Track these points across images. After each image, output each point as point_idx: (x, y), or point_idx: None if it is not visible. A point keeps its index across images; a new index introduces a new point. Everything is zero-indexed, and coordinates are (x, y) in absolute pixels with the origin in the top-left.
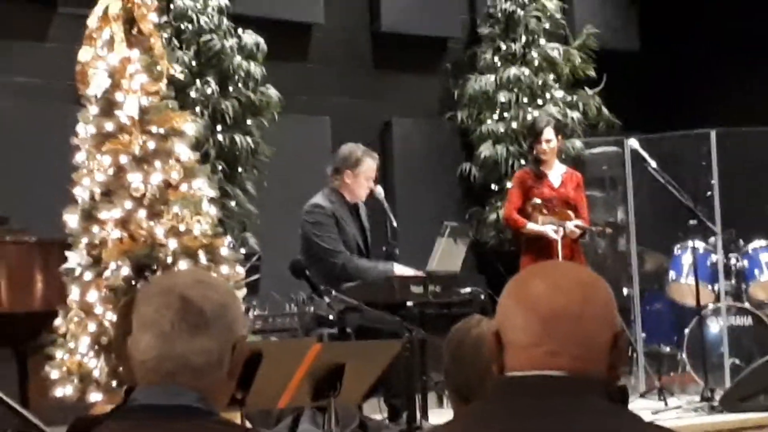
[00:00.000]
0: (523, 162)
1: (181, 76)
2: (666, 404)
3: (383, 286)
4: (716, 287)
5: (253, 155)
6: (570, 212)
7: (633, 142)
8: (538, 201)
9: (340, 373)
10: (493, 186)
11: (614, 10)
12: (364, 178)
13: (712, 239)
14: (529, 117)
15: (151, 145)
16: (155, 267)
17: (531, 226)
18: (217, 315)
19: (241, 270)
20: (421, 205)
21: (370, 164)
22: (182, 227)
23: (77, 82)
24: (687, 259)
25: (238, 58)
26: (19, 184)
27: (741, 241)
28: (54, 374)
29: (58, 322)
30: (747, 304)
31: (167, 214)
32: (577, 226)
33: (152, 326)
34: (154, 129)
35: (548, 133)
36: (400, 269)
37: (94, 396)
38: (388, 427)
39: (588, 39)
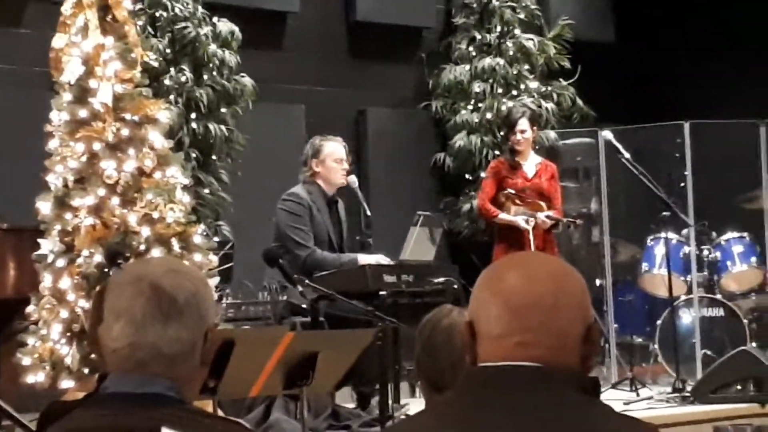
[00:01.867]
0: (497, 152)
1: (155, 64)
2: (638, 395)
3: (356, 275)
4: (689, 278)
5: (227, 143)
6: (543, 203)
7: (607, 134)
8: (511, 191)
9: (313, 362)
10: (467, 176)
11: (589, 2)
12: (331, 161)
13: (684, 231)
14: (503, 108)
15: (125, 132)
16: (128, 254)
17: (503, 216)
18: (189, 303)
19: (214, 258)
20: (395, 195)
21: (332, 147)
22: (155, 215)
23: (51, 68)
24: (660, 251)
25: (212, 46)
26: None
27: (714, 233)
28: (26, 361)
29: (30, 308)
30: (719, 296)
31: (140, 201)
32: (548, 217)
33: (124, 314)
34: (128, 116)
35: (523, 123)
36: (365, 258)
37: (66, 383)
38: (361, 415)
39: (563, 30)
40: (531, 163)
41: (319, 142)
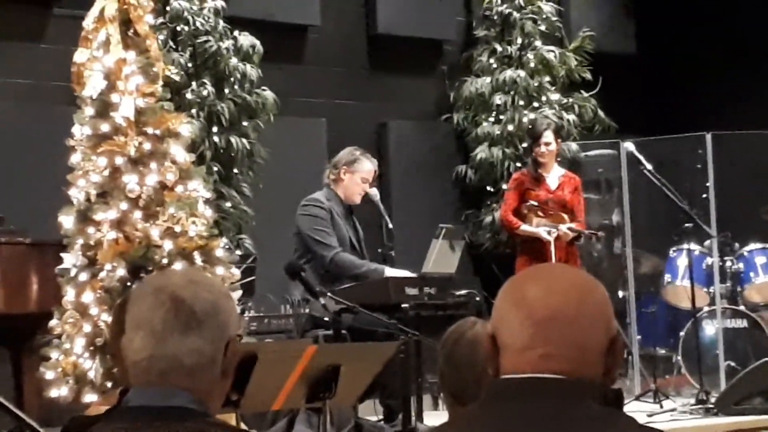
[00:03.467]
0: (519, 165)
1: (177, 78)
2: (661, 407)
3: (378, 288)
4: (711, 290)
5: (248, 157)
6: (565, 215)
7: (629, 145)
8: (534, 203)
9: (336, 375)
10: (488, 188)
11: (610, 13)
12: (359, 179)
13: (707, 242)
14: (525, 120)
15: (147, 146)
16: (150, 268)
17: (525, 228)
18: (208, 314)
19: (236, 271)
20: (417, 208)
21: (367, 166)
22: (178, 229)
23: (73, 83)
24: (682, 262)
25: (234, 60)
26: (15, 185)
27: (736, 244)
28: (49, 375)
29: (53, 323)
30: (742, 307)
31: (163, 215)
32: (570, 229)
33: (144, 325)
34: (149, 130)
35: (548, 135)
36: (392, 272)
37: (89, 397)
38: (384, 428)
39: (584, 41)
40: (554, 176)
41: (357, 155)
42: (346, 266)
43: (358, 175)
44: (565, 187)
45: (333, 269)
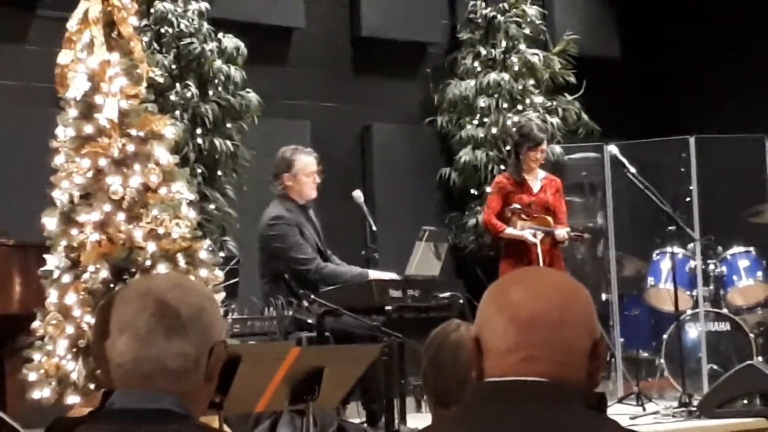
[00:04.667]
0: (502, 167)
1: (161, 80)
2: (644, 409)
3: (362, 291)
4: (694, 293)
5: (232, 159)
6: (549, 218)
7: (612, 148)
8: (517, 206)
9: (319, 377)
10: (472, 191)
11: (594, 17)
12: (303, 176)
13: (690, 245)
14: (509, 122)
15: (131, 148)
16: (134, 270)
17: (510, 231)
18: (193, 318)
19: (219, 273)
20: (401, 210)
21: (304, 161)
22: (161, 230)
23: (56, 84)
24: (666, 265)
25: (218, 62)
26: None
27: (719, 247)
28: (31, 376)
29: (35, 324)
30: (725, 310)
31: (146, 217)
32: (567, 233)
33: (128, 328)
34: (133, 132)
35: (545, 144)
36: (375, 274)
37: (72, 399)
38: (367, 430)
39: (568, 45)
40: (536, 178)
41: (290, 156)
42: (330, 277)
43: (300, 174)
44: (547, 190)
45: (317, 280)
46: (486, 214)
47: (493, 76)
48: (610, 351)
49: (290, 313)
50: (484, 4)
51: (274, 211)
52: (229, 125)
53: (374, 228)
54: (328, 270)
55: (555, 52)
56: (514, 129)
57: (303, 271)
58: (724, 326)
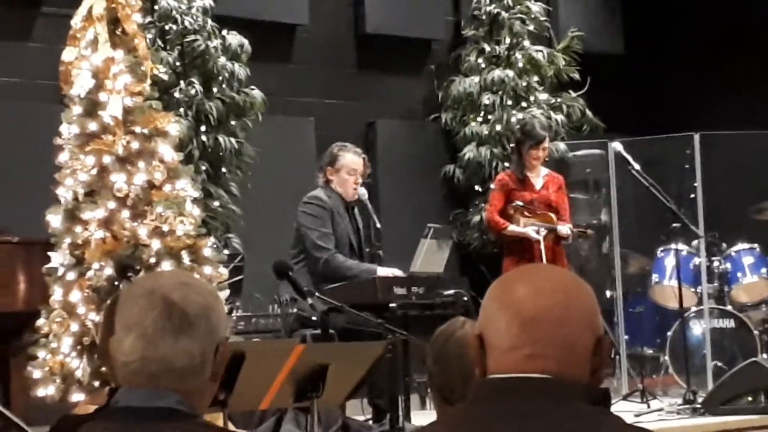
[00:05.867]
0: (506, 164)
1: (165, 77)
2: (648, 406)
3: (366, 288)
4: (699, 290)
5: (237, 156)
6: (552, 215)
7: (617, 145)
8: (519, 203)
9: (323, 374)
10: (477, 188)
11: (598, 13)
12: (345, 173)
13: (695, 242)
14: (513, 119)
15: (135, 145)
16: (138, 267)
17: (513, 228)
18: (200, 317)
19: (224, 271)
20: (405, 207)
21: (349, 158)
22: (165, 228)
23: (61, 82)
24: (670, 262)
25: (222, 59)
26: (2, 183)
27: (724, 244)
28: (36, 374)
29: (40, 322)
30: (729, 307)
31: (150, 214)
32: (571, 229)
33: (135, 327)
34: (137, 129)
35: (547, 141)
36: (383, 271)
37: (77, 396)
38: (371, 428)
39: (572, 41)
40: (539, 175)
41: (336, 151)
42: (338, 269)
43: (343, 171)
44: (549, 187)
45: (325, 271)
46: (489, 211)
47: (497, 72)
48: (614, 348)
49: (294, 310)
50: (488, 1)
51: (313, 192)
52: (233, 122)
53: (378, 225)
54: (337, 262)
55: (559, 49)
56: (517, 126)
57: (313, 259)
58: (729, 323)
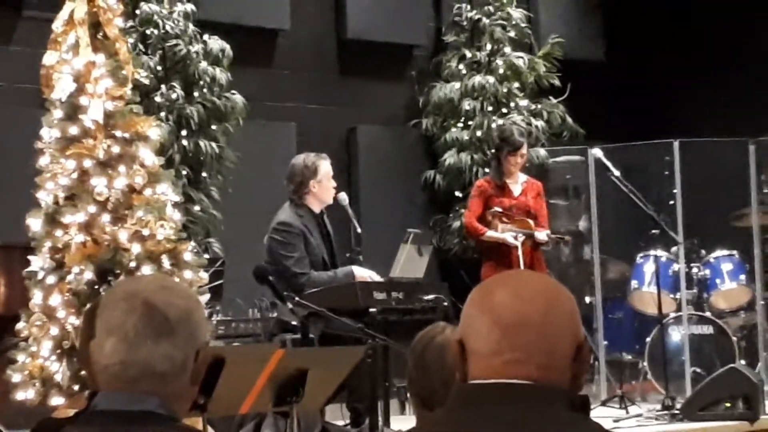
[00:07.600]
0: (487, 170)
1: (146, 81)
2: (627, 412)
3: (346, 293)
4: (678, 296)
5: (217, 161)
6: (530, 221)
7: (597, 152)
8: (498, 209)
9: (303, 379)
10: (457, 193)
11: (579, 20)
12: (326, 180)
13: (674, 248)
14: (494, 125)
15: (116, 149)
16: (118, 271)
17: (491, 234)
18: (180, 321)
19: (204, 275)
20: (385, 212)
21: (326, 165)
22: (146, 232)
23: (42, 85)
24: (649, 268)
25: (203, 64)
26: None
27: (703, 251)
28: (16, 378)
29: (20, 325)
30: (708, 313)
31: (131, 218)
32: (548, 235)
33: (116, 331)
34: (118, 133)
35: (525, 148)
36: (359, 270)
37: (56, 400)
38: None
39: (553, 48)
40: (517, 182)
41: (314, 161)
42: (316, 285)
43: (325, 179)
44: (528, 193)
45: (308, 288)
46: (467, 217)
47: (478, 78)
48: (593, 354)
49: (274, 315)
50: (469, 7)
51: (283, 216)
52: (214, 127)
53: (359, 230)
54: (314, 280)
55: (540, 55)
56: (495, 133)
57: (293, 282)
58: (707, 329)
